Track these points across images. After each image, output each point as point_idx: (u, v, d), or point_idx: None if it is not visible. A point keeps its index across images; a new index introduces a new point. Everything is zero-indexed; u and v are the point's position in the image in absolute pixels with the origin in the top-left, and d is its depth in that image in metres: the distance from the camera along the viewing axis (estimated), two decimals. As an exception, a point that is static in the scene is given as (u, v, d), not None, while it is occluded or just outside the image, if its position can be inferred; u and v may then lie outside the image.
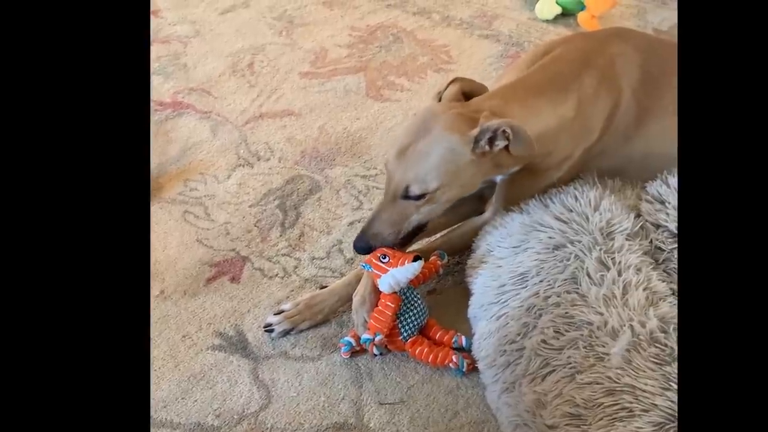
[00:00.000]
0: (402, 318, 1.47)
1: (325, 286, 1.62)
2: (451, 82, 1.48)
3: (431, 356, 1.46)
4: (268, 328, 1.55)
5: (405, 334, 1.48)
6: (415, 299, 1.50)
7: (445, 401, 1.43)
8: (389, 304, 1.45)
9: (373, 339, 1.45)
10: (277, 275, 1.69)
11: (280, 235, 1.80)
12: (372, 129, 2.14)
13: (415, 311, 1.49)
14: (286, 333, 1.55)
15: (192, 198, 1.91)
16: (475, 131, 1.34)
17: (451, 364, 1.45)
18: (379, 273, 1.45)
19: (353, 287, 1.55)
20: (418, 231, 1.51)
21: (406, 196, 1.39)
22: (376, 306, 1.48)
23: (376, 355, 1.49)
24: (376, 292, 1.49)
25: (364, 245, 1.45)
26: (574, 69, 1.50)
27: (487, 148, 1.36)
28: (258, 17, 2.71)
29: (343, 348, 1.50)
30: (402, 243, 1.49)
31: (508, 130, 1.33)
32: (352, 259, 1.72)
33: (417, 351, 1.47)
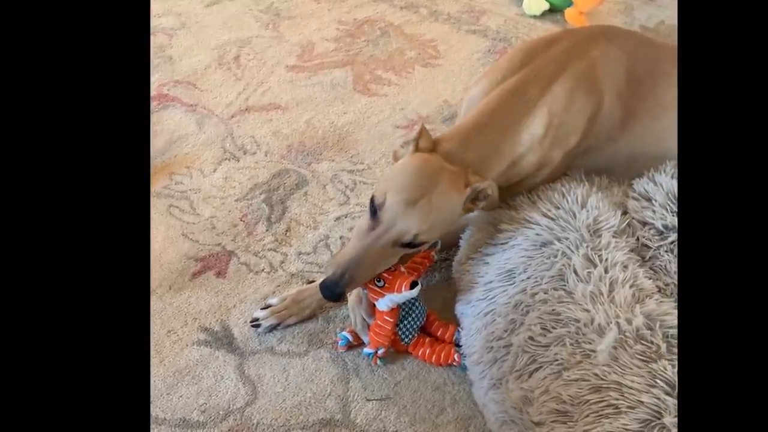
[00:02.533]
0: (402, 325, 1.46)
1: (312, 281, 1.61)
2: (420, 132, 1.42)
3: (434, 357, 1.46)
4: (255, 324, 1.54)
5: (406, 340, 1.48)
6: (414, 302, 1.47)
7: (432, 397, 1.43)
8: (387, 318, 1.43)
9: (376, 352, 1.45)
10: (263, 270, 1.69)
11: (267, 230, 1.79)
12: (359, 123, 2.14)
13: (414, 314, 1.47)
14: (272, 328, 1.54)
15: (177, 192, 1.90)
16: (468, 192, 1.38)
17: (454, 363, 1.45)
18: (375, 296, 1.43)
19: (340, 283, 1.53)
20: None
21: (409, 244, 1.37)
22: (373, 314, 1.47)
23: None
24: None
25: (340, 292, 1.34)
26: (545, 81, 1.48)
27: (470, 205, 1.43)
28: (244, 10, 2.69)
29: (339, 342, 1.50)
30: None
31: (490, 192, 1.41)
32: (338, 254, 1.72)
33: (420, 353, 1.48)
